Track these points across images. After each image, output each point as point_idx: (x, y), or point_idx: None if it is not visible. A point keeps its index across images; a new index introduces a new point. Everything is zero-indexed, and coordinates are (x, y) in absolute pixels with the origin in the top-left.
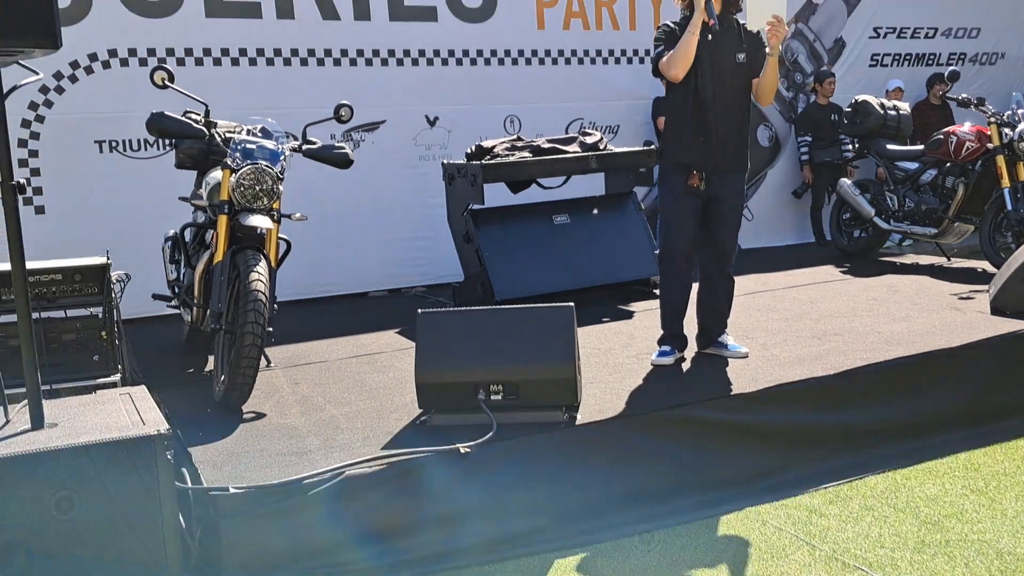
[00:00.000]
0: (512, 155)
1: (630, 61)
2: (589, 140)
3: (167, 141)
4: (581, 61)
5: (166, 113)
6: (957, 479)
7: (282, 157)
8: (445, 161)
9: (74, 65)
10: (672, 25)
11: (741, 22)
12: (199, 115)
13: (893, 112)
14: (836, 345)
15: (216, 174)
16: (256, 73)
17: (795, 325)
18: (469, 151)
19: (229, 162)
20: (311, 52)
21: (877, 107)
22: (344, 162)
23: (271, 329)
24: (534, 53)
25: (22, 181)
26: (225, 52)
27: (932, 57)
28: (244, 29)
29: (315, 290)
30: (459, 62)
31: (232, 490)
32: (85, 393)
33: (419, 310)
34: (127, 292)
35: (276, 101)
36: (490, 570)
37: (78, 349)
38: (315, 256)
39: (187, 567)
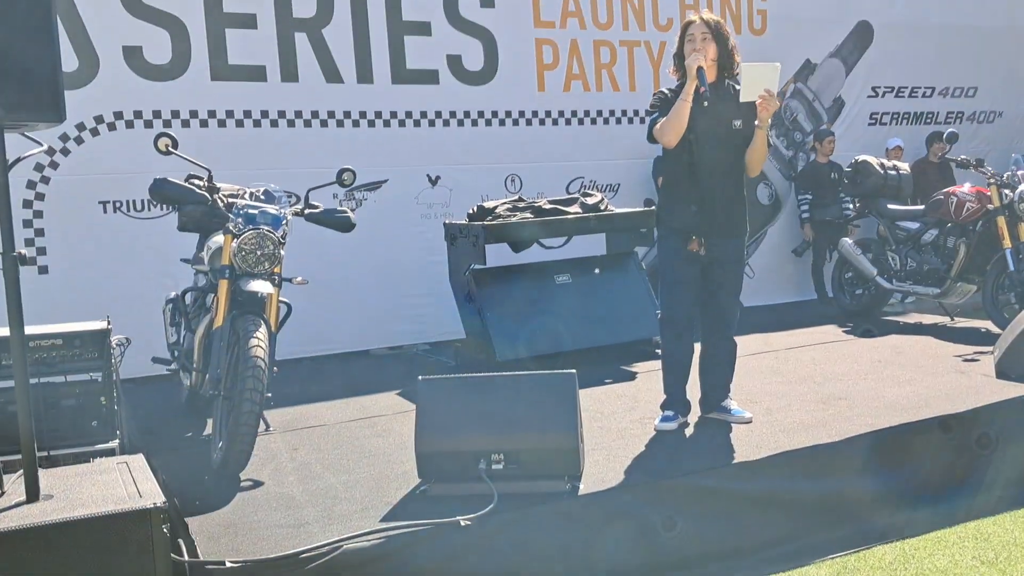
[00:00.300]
0: (514, 216)
1: (631, 121)
2: (590, 201)
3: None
4: (581, 121)
5: (169, 179)
6: (967, 549)
7: (284, 222)
8: (447, 221)
9: (80, 127)
10: (667, 92)
11: (737, 88)
12: (202, 179)
13: (893, 172)
14: (840, 410)
15: (218, 238)
16: (260, 134)
17: (799, 388)
18: (471, 211)
19: (231, 227)
20: (315, 114)
21: (877, 167)
22: (346, 226)
23: (270, 395)
24: (534, 114)
25: (24, 252)
26: (230, 114)
27: (930, 115)
28: (249, 92)
29: (316, 348)
30: (460, 123)
31: (228, 564)
32: (83, 459)
33: (419, 377)
34: (128, 351)
35: (280, 162)
36: None
37: (77, 414)
38: (317, 313)
39: None
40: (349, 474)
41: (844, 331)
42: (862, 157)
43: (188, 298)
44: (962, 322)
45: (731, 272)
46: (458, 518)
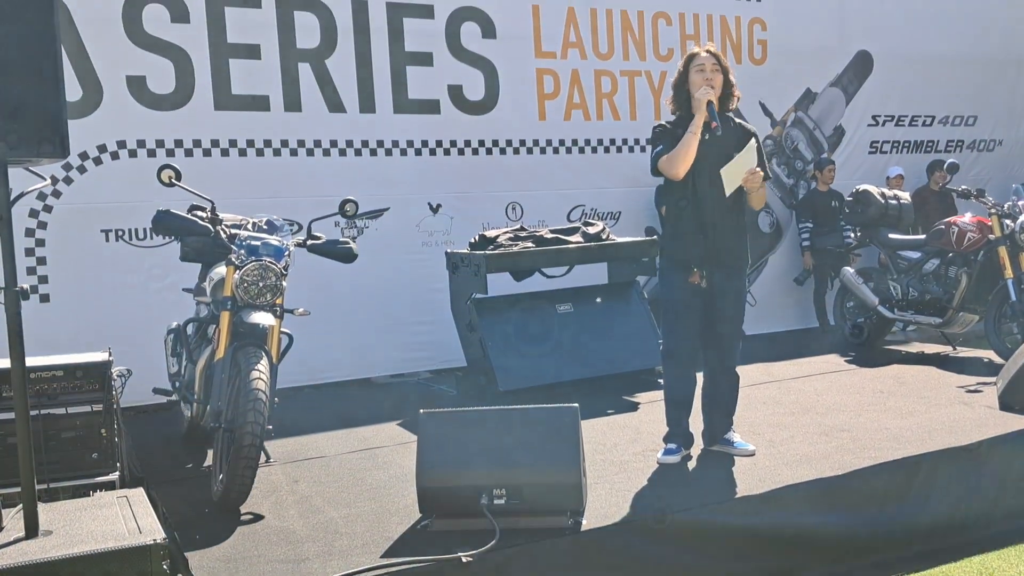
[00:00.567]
0: (516, 245)
1: (631, 150)
2: (592, 230)
3: None
4: (582, 150)
5: (172, 211)
6: None
7: (286, 253)
8: (448, 249)
9: (83, 156)
10: (667, 125)
11: (736, 120)
12: (205, 210)
13: (894, 202)
14: (843, 443)
15: (220, 270)
16: (263, 164)
17: (802, 420)
18: (473, 240)
19: (233, 258)
20: (317, 143)
21: (878, 197)
22: (348, 257)
23: (271, 427)
24: (535, 142)
25: (26, 287)
26: (233, 143)
27: (931, 144)
28: (252, 121)
29: (318, 376)
30: (461, 151)
31: None
32: (83, 492)
33: (421, 411)
34: (129, 380)
35: (282, 191)
36: None
37: (77, 447)
38: (318, 341)
39: None
40: (350, 508)
41: (846, 360)
42: (863, 186)
43: (190, 329)
44: (964, 351)
45: (734, 304)
46: (459, 554)
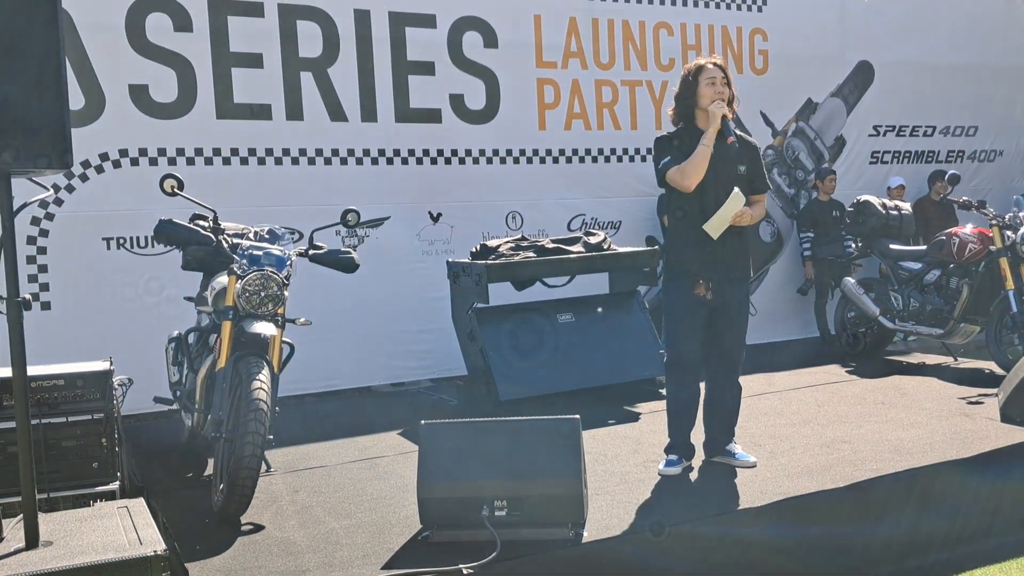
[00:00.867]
0: (517, 255)
1: (631, 159)
2: (593, 240)
3: None
4: (582, 159)
5: (174, 220)
6: None
7: (288, 263)
8: (450, 259)
9: (85, 164)
10: (669, 137)
11: (738, 133)
12: (207, 219)
13: (895, 212)
14: (845, 454)
15: (222, 279)
16: (265, 172)
17: (803, 431)
18: (474, 250)
19: (235, 268)
20: (319, 152)
21: (879, 207)
22: (350, 267)
23: (271, 437)
24: (535, 152)
25: (28, 297)
26: (235, 151)
27: (931, 154)
28: (254, 129)
29: (319, 384)
30: (462, 161)
31: None
32: (84, 501)
33: (422, 421)
34: (131, 389)
35: (284, 199)
36: None
37: (78, 456)
38: (319, 350)
39: None
40: (350, 518)
41: (847, 371)
42: (864, 197)
43: (191, 338)
44: (965, 362)
45: (737, 315)
46: (460, 566)
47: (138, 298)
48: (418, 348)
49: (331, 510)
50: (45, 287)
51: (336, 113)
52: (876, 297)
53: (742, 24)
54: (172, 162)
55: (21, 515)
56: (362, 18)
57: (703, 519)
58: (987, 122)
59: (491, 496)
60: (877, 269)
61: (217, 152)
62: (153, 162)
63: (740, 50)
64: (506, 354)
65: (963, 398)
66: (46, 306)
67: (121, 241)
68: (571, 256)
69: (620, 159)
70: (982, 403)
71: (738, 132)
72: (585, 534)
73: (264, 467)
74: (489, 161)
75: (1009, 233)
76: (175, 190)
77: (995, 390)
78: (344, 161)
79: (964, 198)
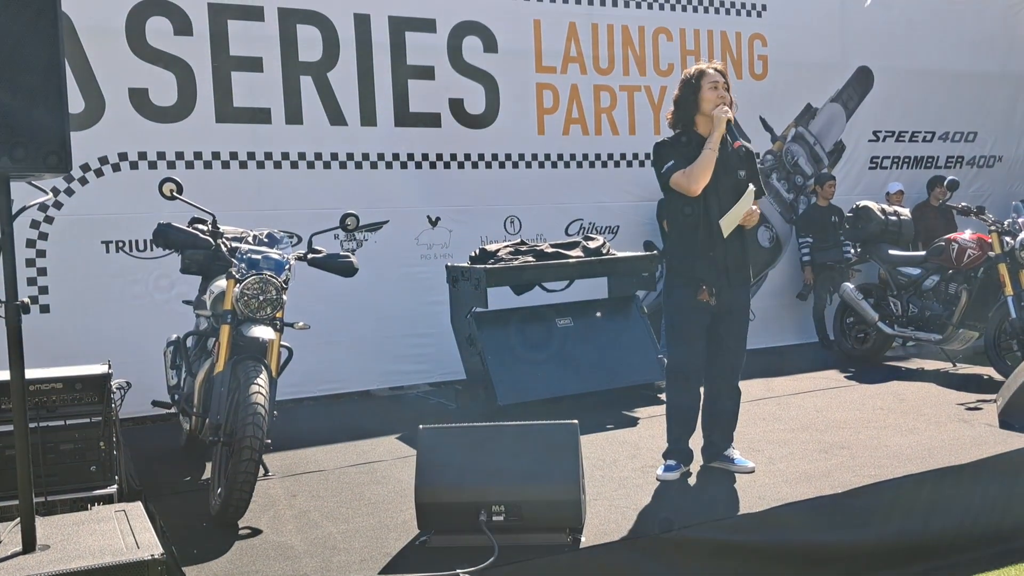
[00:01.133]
0: (516, 259)
1: (629, 164)
2: (592, 244)
3: None
4: (580, 164)
5: (172, 224)
6: None
7: (287, 267)
8: (449, 263)
9: (84, 168)
10: (670, 142)
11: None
12: (206, 223)
13: (894, 218)
14: (843, 460)
15: (220, 283)
16: (264, 176)
17: (801, 436)
18: (473, 254)
19: (234, 272)
20: (318, 156)
21: (878, 213)
22: (349, 271)
23: (269, 441)
24: (534, 157)
25: (26, 300)
26: (234, 155)
27: (931, 160)
28: (253, 133)
29: (317, 388)
30: (461, 165)
31: None
32: (81, 505)
33: (420, 426)
34: (129, 392)
35: (283, 203)
36: None
37: (76, 459)
38: (317, 354)
39: None
40: (348, 523)
41: (846, 376)
42: (863, 202)
43: (189, 341)
44: (964, 368)
45: (739, 321)
46: (458, 571)
47: (137, 301)
48: (417, 352)
49: (329, 514)
50: (44, 290)
51: (335, 117)
52: (875, 303)
53: (741, 29)
54: (171, 166)
55: (18, 519)
56: (362, 22)
57: (701, 525)
58: (986, 128)
59: (489, 501)
60: (876, 275)
61: (216, 156)
62: (152, 166)
63: (739, 55)
64: (505, 359)
65: (962, 404)
66: (45, 309)
67: (120, 245)
68: (570, 261)
69: (618, 164)
70: (981, 409)
71: (727, 136)
72: (583, 539)
73: (262, 471)
74: (488, 166)
75: (1008, 239)
76: (174, 194)
77: (994, 396)
78: (343, 165)
79: (963, 204)
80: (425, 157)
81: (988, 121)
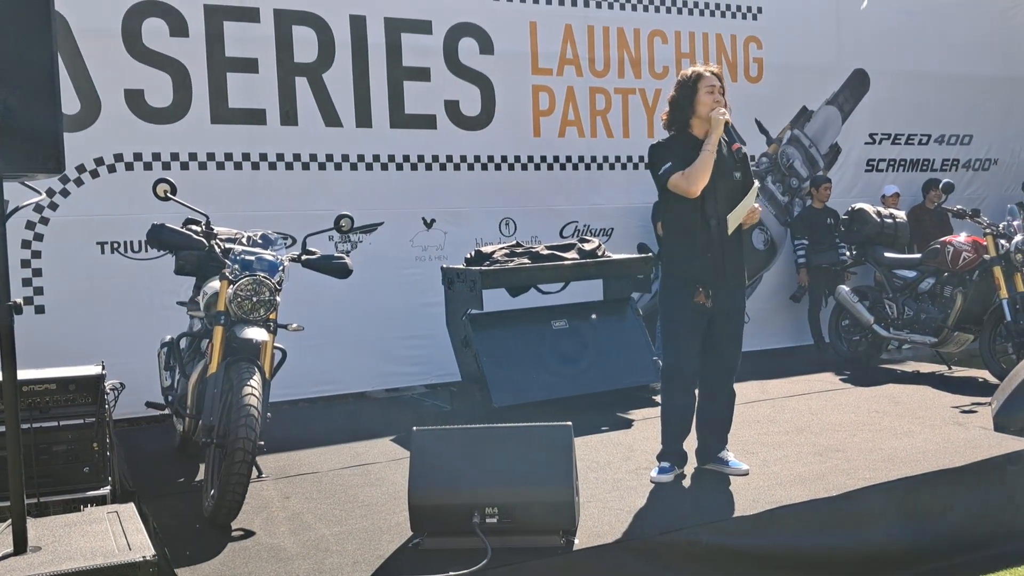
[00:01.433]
0: (511, 261)
1: (624, 167)
2: (587, 247)
3: None
4: (576, 167)
5: (166, 225)
6: None
7: (280, 268)
8: (444, 265)
9: (80, 169)
10: (666, 143)
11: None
12: (200, 224)
13: (890, 220)
14: (838, 463)
15: (214, 284)
16: (259, 177)
17: (796, 439)
18: (468, 256)
19: (227, 273)
20: (313, 157)
21: (874, 215)
22: (343, 272)
23: (262, 443)
24: (530, 159)
25: (19, 301)
26: (229, 157)
27: (927, 163)
28: (248, 135)
29: (312, 390)
30: (456, 167)
31: None
32: (74, 506)
33: (414, 428)
34: (124, 393)
35: (278, 204)
36: None
37: (69, 460)
38: (312, 355)
39: None
40: (341, 525)
41: (841, 379)
42: (858, 205)
43: (183, 343)
44: (959, 371)
45: (734, 323)
46: (451, 573)
47: (132, 303)
48: (412, 354)
49: (322, 516)
50: (39, 291)
51: (330, 119)
52: (870, 305)
53: (737, 32)
54: (167, 167)
55: (9, 520)
56: (358, 24)
57: (695, 527)
58: (982, 131)
59: (482, 503)
60: (871, 277)
61: (212, 157)
62: (148, 167)
63: (735, 58)
64: (500, 360)
65: (956, 407)
66: (40, 310)
67: (115, 245)
68: (565, 263)
69: (613, 167)
70: (975, 412)
71: (724, 138)
72: (577, 541)
73: (255, 473)
74: (484, 167)
75: (1003, 242)
76: (168, 195)
77: (988, 399)
78: (338, 167)
79: (958, 207)
80: (420, 159)
81: (984, 124)
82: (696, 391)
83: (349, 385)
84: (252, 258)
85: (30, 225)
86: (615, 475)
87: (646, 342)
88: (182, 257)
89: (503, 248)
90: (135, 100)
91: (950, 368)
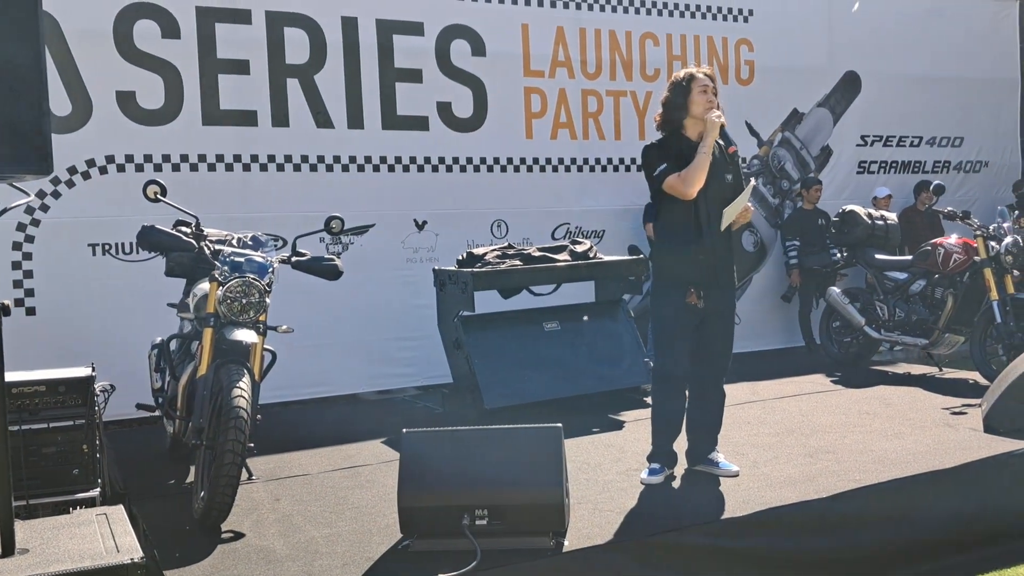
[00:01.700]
0: (503, 263)
1: (616, 169)
2: (579, 248)
3: None
4: (568, 169)
5: (156, 227)
6: None
7: (270, 269)
8: (436, 267)
9: (71, 171)
10: (659, 144)
11: (720, 141)
12: (190, 225)
13: (880, 222)
14: (828, 465)
15: (203, 286)
16: (251, 179)
17: (786, 440)
18: (460, 258)
19: (217, 275)
20: (304, 158)
21: (864, 217)
22: (333, 274)
23: (252, 445)
24: (522, 161)
25: (8, 303)
26: (220, 158)
27: (918, 164)
28: (240, 136)
29: (304, 392)
30: (448, 168)
31: None
32: (63, 508)
33: (404, 430)
34: (115, 395)
35: (269, 206)
36: None
37: (58, 462)
38: (304, 357)
39: None
40: (331, 527)
41: (832, 380)
42: (849, 207)
43: (173, 344)
44: (950, 373)
45: (725, 323)
46: (440, 575)
47: (123, 304)
48: (404, 356)
49: (312, 519)
50: (30, 292)
51: (322, 120)
52: (861, 307)
53: (728, 35)
54: (158, 168)
55: None
56: (349, 25)
57: (685, 529)
58: (973, 133)
59: (472, 505)
60: (862, 279)
61: (203, 158)
62: (140, 168)
63: (726, 60)
64: (492, 362)
65: (947, 408)
66: (31, 311)
67: (107, 247)
68: (558, 264)
69: (604, 169)
70: (966, 413)
71: (720, 142)
72: (566, 543)
73: (245, 475)
74: (476, 169)
75: (993, 244)
76: (158, 196)
77: (979, 401)
78: (330, 168)
79: (949, 208)
80: (412, 160)
81: (975, 127)
82: (686, 392)
83: (340, 387)
84: (242, 260)
85: (21, 227)
86: (606, 476)
87: (637, 344)
88: (172, 259)
89: (495, 250)
90: (127, 102)
91: (941, 370)
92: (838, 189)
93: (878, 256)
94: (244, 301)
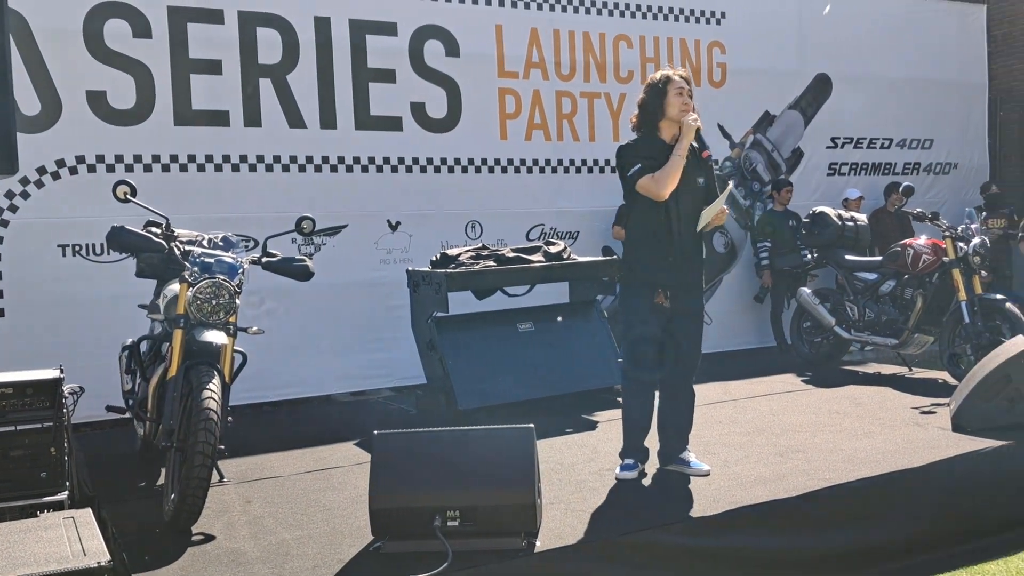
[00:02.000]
0: (477, 264)
1: (590, 170)
2: (553, 249)
3: None
4: (542, 170)
5: (126, 227)
6: None
7: (240, 271)
8: (409, 268)
9: (41, 171)
10: (634, 145)
11: (695, 144)
12: (161, 226)
13: (851, 224)
14: (798, 464)
15: (173, 287)
16: (223, 179)
17: (757, 440)
18: (434, 259)
19: (187, 276)
20: (276, 159)
21: (835, 219)
22: (304, 275)
23: (223, 447)
24: (496, 162)
25: None
26: (192, 158)
27: (888, 166)
28: (212, 136)
29: (276, 393)
30: (423, 169)
31: None
32: (30, 512)
33: (375, 431)
34: (85, 397)
35: (241, 206)
36: None
37: (26, 465)
38: (276, 358)
39: None
40: (302, 529)
41: (803, 380)
42: (819, 208)
43: (143, 346)
44: (920, 372)
45: (694, 324)
46: None
47: (93, 306)
48: (377, 357)
49: (283, 521)
50: None
51: (295, 120)
52: (832, 307)
53: (700, 37)
54: (129, 168)
55: None
56: (322, 25)
57: (656, 528)
58: (942, 136)
59: (443, 506)
60: (833, 280)
61: (175, 159)
62: (110, 169)
63: (699, 62)
64: (465, 363)
65: (916, 408)
66: (0, 313)
67: (77, 248)
68: (532, 265)
69: (579, 170)
70: (935, 413)
71: (694, 144)
72: (538, 543)
73: (216, 477)
74: (450, 170)
75: (961, 244)
76: (127, 196)
77: (947, 400)
78: (302, 168)
79: (918, 209)
80: (386, 161)
81: (944, 129)
82: (656, 392)
83: (313, 388)
84: (212, 260)
85: None
86: (578, 477)
87: (611, 344)
88: (143, 259)
89: (469, 251)
90: (97, 101)
91: (911, 369)
92: (810, 191)
93: (848, 257)
94: (214, 302)
